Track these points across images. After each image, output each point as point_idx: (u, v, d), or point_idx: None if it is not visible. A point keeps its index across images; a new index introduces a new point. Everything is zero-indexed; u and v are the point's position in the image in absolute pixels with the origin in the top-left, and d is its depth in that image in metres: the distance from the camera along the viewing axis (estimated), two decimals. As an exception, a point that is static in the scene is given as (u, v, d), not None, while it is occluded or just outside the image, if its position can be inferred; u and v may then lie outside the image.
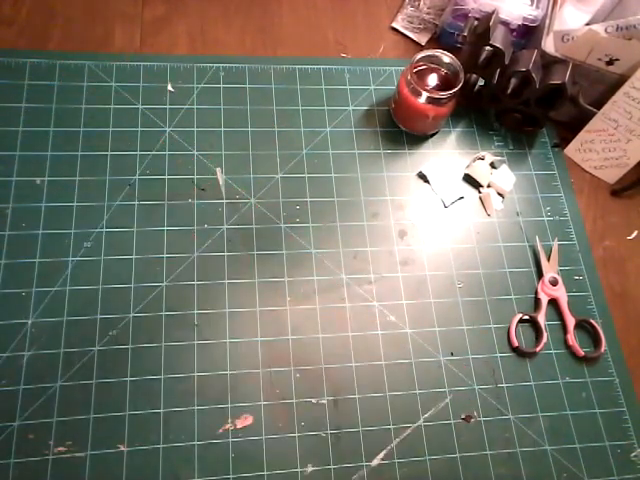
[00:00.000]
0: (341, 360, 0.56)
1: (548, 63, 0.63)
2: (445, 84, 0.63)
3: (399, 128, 0.68)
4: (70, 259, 0.56)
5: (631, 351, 0.59)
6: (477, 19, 0.65)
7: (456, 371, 0.56)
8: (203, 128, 0.64)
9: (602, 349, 0.58)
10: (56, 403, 0.51)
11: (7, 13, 0.69)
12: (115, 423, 0.51)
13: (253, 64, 0.69)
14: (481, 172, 0.65)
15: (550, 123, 0.70)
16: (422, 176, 0.66)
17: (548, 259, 0.62)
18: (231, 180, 0.62)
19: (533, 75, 0.60)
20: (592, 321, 0.59)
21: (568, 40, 0.63)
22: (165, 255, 0.58)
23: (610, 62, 0.62)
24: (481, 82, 0.67)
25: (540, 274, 0.61)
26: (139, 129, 0.63)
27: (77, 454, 0.49)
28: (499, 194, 0.66)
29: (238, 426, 0.52)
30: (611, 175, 0.68)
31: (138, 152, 0.62)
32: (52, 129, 0.62)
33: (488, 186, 0.66)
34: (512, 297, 0.60)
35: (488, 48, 0.62)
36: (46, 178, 0.59)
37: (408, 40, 0.75)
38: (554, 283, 0.60)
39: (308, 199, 0.63)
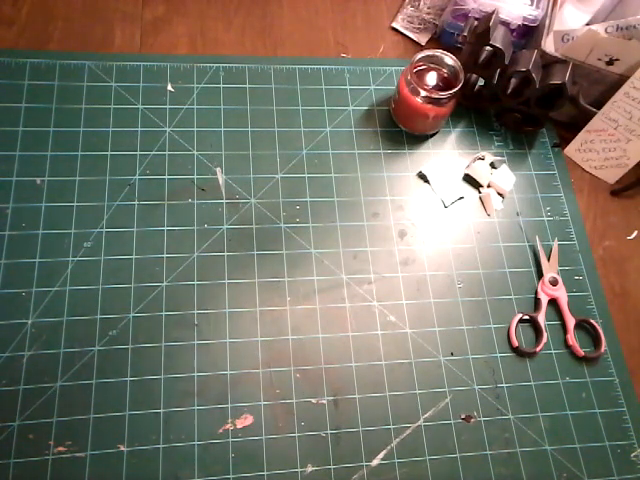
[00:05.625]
0: (341, 360, 0.56)
1: (548, 63, 0.63)
2: (445, 84, 0.63)
3: (399, 128, 0.68)
4: (70, 259, 0.56)
5: (631, 351, 0.59)
6: (477, 19, 0.65)
7: (456, 371, 0.56)
8: (203, 128, 0.64)
9: (602, 349, 0.58)
10: (56, 403, 0.51)
11: (7, 13, 0.69)
12: (115, 423, 0.51)
13: (253, 64, 0.69)
14: (481, 172, 0.65)
15: (550, 123, 0.70)
16: (422, 176, 0.66)
17: (548, 259, 0.62)
18: (231, 180, 0.62)
19: (533, 75, 0.60)
20: (592, 321, 0.59)
21: (568, 40, 0.63)
22: (165, 255, 0.58)
23: (610, 62, 0.62)
24: (481, 82, 0.67)
25: (540, 274, 0.61)
26: (139, 129, 0.63)
27: (77, 454, 0.49)
28: (499, 194, 0.66)
29: (238, 426, 0.52)
30: (611, 175, 0.68)
31: (138, 152, 0.62)
32: (52, 129, 0.62)
33: (488, 186, 0.66)
34: (512, 297, 0.60)
35: (488, 48, 0.62)
36: (46, 178, 0.59)
37: (408, 40, 0.75)
38: (554, 283, 0.60)
39: (308, 199, 0.63)
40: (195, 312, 0.56)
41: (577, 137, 0.68)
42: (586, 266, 0.63)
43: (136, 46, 0.69)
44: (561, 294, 0.60)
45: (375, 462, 0.52)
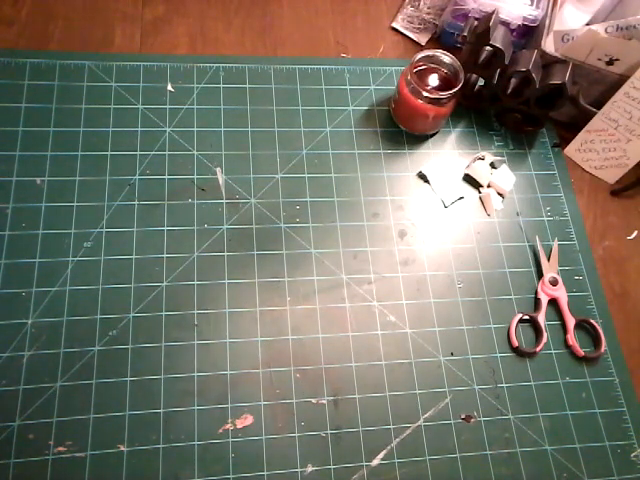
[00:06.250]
0: (341, 360, 0.56)
1: (548, 63, 0.63)
2: (445, 84, 0.63)
3: (399, 128, 0.68)
4: (70, 259, 0.56)
5: (631, 351, 0.59)
6: (477, 19, 0.65)
7: (456, 371, 0.56)
8: (203, 128, 0.64)
9: (602, 349, 0.58)
10: (56, 403, 0.51)
11: (7, 13, 0.69)
12: (115, 423, 0.51)
13: (253, 64, 0.69)
14: (481, 172, 0.65)
15: (550, 123, 0.70)
16: (422, 176, 0.66)
17: (548, 259, 0.62)
18: (231, 180, 0.62)
19: (533, 75, 0.60)
20: (592, 321, 0.59)
21: (568, 40, 0.63)
22: (165, 255, 0.58)
23: (610, 62, 0.62)
24: (481, 82, 0.67)
25: (540, 274, 0.61)
26: (139, 129, 0.63)
27: (77, 454, 0.49)
28: (499, 194, 0.66)
29: (238, 426, 0.52)
30: (611, 175, 0.68)
31: (138, 152, 0.62)
32: (52, 129, 0.62)
33: (488, 186, 0.66)
34: (512, 297, 0.60)
35: (488, 48, 0.62)
36: (46, 178, 0.59)
37: (408, 40, 0.75)
38: (554, 283, 0.60)
39: (308, 199, 0.63)
40: (195, 312, 0.56)
41: (577, 137, 0.68)
42: (586, 266, 0.63)
43: (136, 46, 0.69)
44: (561, 294, 0.60)
45: (375, 462, 0.52)
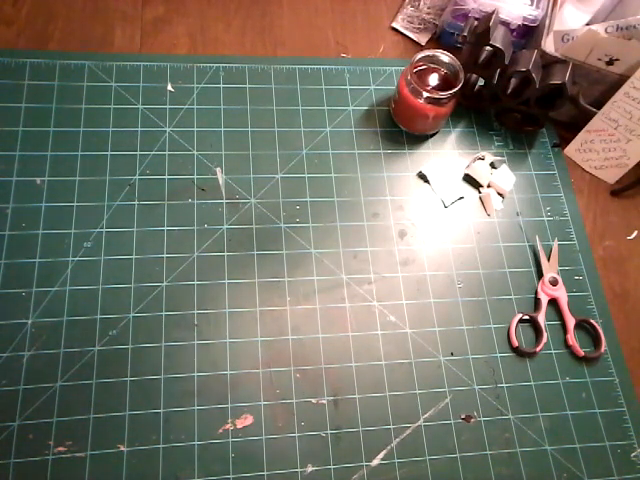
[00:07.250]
0: (341, 360, 0.56)
1: (548, 63, 0.63)
2: (445, 84, 0.63)
3: (399, 128, 0.68)
4: (70, 259, 0.56)
5: (631, 351, 0.59)
6: (477, 19, 0.65)
7: (456, 371, 0.56)
8: (203, 128, 0.64)
9: (602, 349, 0.58)
10: (56, 403, 0.51)
11: (7, 13, 0.69)
12: (115, 423, 0.51)
13: (253, 64, 0.69)
14: (481, 172, 0.65)
15: (550, 123, 0.70)
16: (422, 176, 0.66)
17: (548, 259, 0.62)
18: (231, 180, 0.62)
19: (533, 75, 0.60)
20: (592, 321, 0.59)
21: (568, 40, 0.63)
22: (165, 255, 0.58)
23: (610, 62, 0.62)
24: (481, 82, 0.67)
25: (540, 274, 0.61)
26: (139, 129, 0.63)
27: (77, 454, 0.49)
28: (499, 194, 0.66)
29: (238, 426, 0.52)
30: (611, 175, 0.68)
31: (138, 152, 0.62)
32: (52, 129, 0.62)
33: (488, 186, 0.66)
34: (512, 297, 0.60)
35: (488, 48, 0.62)
36: (46, 178, 0.59)
37: (408, 40, 0.75)
38: (554, 283, 0.60)
39: (308, 199, 0.63)
40: (195, 312, 0.56)
41: (577, 137, 0.68)
42: (586, 266, 0.63)
43: (136, 46, 0.69)
44: (561, 294, 0.60)
45: (375, 462, 0.52)
